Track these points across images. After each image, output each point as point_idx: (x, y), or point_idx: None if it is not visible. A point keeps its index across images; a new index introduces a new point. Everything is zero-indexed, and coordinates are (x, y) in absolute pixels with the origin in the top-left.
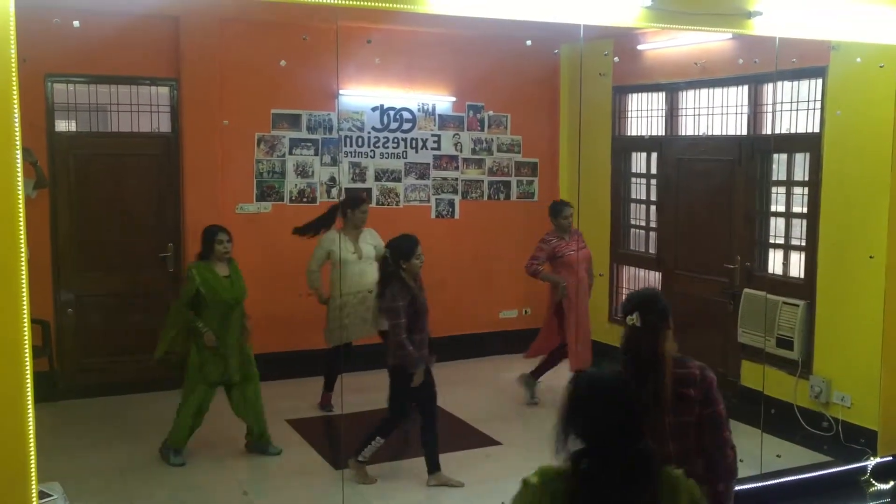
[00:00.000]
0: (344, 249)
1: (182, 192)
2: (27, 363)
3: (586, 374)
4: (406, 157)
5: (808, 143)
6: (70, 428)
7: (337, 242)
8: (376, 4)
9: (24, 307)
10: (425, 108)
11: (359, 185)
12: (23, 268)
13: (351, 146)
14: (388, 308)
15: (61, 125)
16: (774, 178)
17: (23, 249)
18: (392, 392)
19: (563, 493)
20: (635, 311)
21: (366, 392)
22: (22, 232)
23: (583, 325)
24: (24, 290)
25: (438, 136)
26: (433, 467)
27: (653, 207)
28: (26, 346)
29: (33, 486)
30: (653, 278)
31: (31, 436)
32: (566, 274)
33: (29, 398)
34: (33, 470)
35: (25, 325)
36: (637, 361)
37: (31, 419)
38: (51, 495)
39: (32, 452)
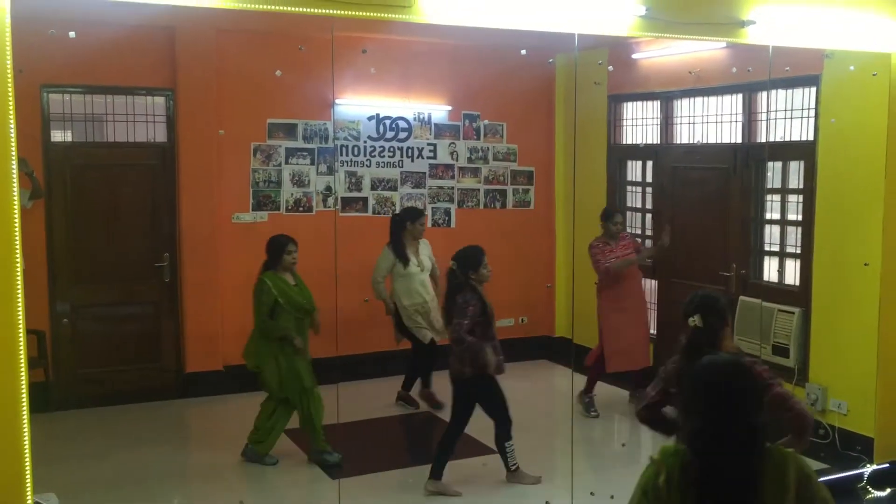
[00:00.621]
0: (412, 264)
1: (178, 201)
2: (23, 374)
3: (707, 360)
4: (402, 167)
5: (803, 151)
6: (66, 438)
7: (404, 255)
8: (372, 14)
9: (20, 318)
10: (421, 117)
11: (355, 194)
12: (18, 278)
13: (347, 155)
14: (459, 309)
15: (57, 135)
16: (769, 185)
17: (18, 260)
18: (455, 401)
19: (677, 467)
20: (696, 312)
21: (363, 401)
22: (17, 242)
23: (638, 327)
24: (19, 300)
25: (434, 145)
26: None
27: (648, 215)
28: (22, 357)
29: (29, 497)
30: (649, 286)
31: (27, 446)
32: (611, 281)
33: (24, 409)
34: (29, 481)
35: (21, 335)
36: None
37: (26, 430)
38: None
39: (28, 463)
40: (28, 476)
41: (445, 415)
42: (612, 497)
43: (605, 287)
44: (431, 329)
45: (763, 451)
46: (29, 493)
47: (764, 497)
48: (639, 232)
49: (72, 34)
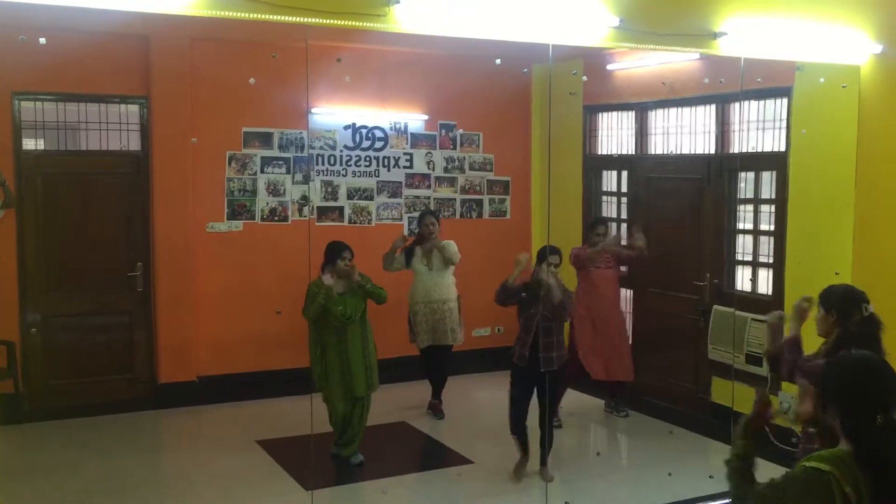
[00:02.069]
0: (417, 261)
1: (152, 210)
2: None
3: (850, 354)
4: (378, 176)
5: (775, 162)
6: (36, 450)
7: (416, 253)
8: (346, 24)
9: None
10: (397, 126)
11: (331, 203)
12: None
13: (323, 164)
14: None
15: (29, 143)
16: (742, 196)
17: None
18: (512, 387)
19: (857, 474)
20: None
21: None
22: None
23: (617, 339)
24: None
25: (411, 154)
26: (542, 461)
27: (623, 225)
28: None
29: None
30: (624, 295)
31: None
32: (589, 288)
33: None
34: None
35: None
36: None
37: None
38: None
39: None
40: None
41: (421, 425)
42: None
43: (583, 295)
44: (432, 333)
45: None
46: None
47: None
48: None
49: (42, 41)
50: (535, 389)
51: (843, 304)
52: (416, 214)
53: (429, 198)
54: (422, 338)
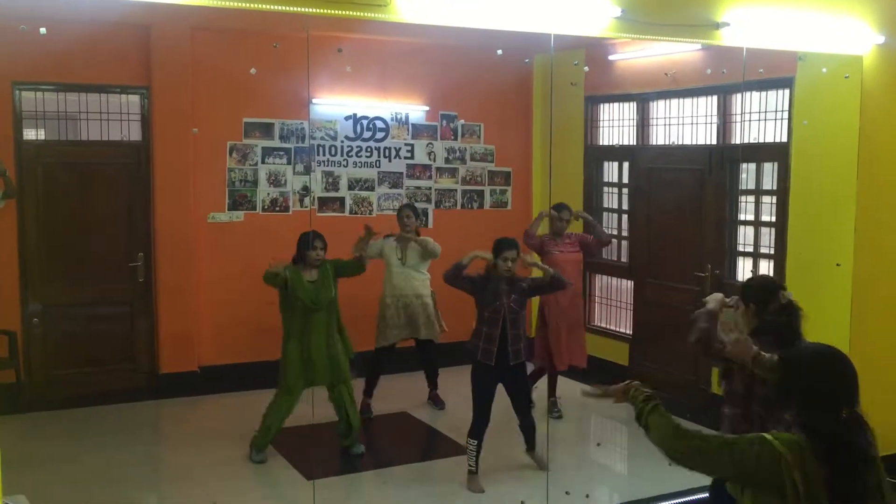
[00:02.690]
0: (390, 254)
1: (153, 201)
2: None
3: (805, 349)
4: (379, 167)
5: (776, 153)
6: (37, 440)
7: (390, 244)
8: (347, 13)
9: None
10: (398, 117)
11: (332, 193)
12: None
13: (324, 155)
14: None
15: (30, 134)
16: (743, 187)
17: None
18: (472, 390)
19: (811, 460)
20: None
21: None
22: None
23: (574, 327)
24: None
25: (412, 145)
26: (530, 446)
27: (625, 216)
28: None
29: None
30: (625, 287)
31: None
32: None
33: None
34: None
35: None
36: None
37: None
38: None
39: None
40: None
41: (422, 415)
42: (587, 496)
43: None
44: (403, 329)
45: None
46: None
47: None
48: (615, 232)
49: (42, 30)
50: (503, 385)
51: (760, 295)
52: (417, 205)
53: (430, 188)
54: (392, 332)
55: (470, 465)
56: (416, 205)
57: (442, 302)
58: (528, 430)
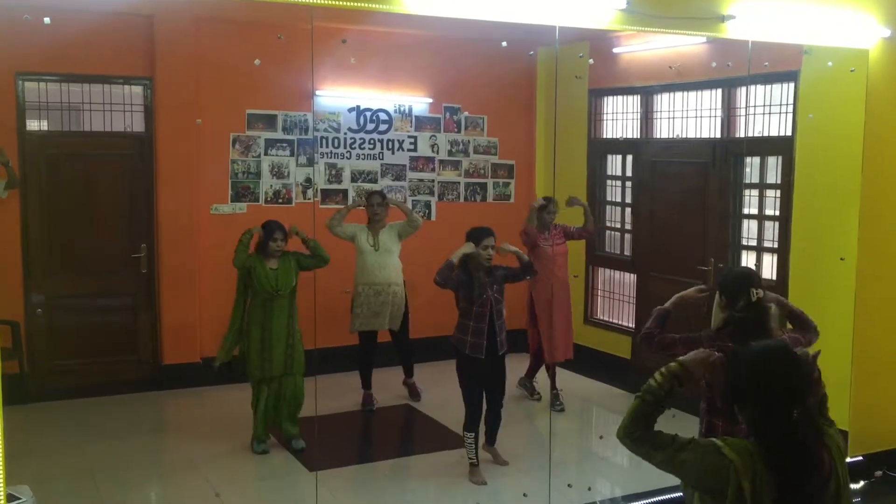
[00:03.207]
0: (363, 240)
1: (155, 192)
2: None
3: (754, 347)
4: (382, 159)
5: (781, 147)
6: (41, 431)
7: (362, 230)
8: (352, 4)
9: None
10: (402, 109)
11: (335, 185)
12: None
13: (327, 147)
14: (440, 270)
15: (33, 124)
16: (747, 180)
17: None
18: (461, 385)
19: (762, 469)
20: (753, 286)
21: (341, 393)
22: None
23: (562, 319)
24: None
25: (415, 137)
26: (491, 440)
27: (628, 210)
28: None
29: (1, 489)
30: (628, 280)
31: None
32: (541, 267)
33: None
34: (0, 473)
35: None
36: None
37: None
38: (20, 498)
39: (0, 455)
40: (0, 468)
41: (424, 407)
42: (588, 489)
43: (539, 273)
44: (375, 317)
45: (822, 432)
46: (1, 485)
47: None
48: (618, 226)
49: (47, 20)
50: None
51: (731, 288)
52: (420, 197)
53: (433, 181)
54: (360, 321)
55: (470, 458)
56: (419, 197)
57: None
58: (493, 422)
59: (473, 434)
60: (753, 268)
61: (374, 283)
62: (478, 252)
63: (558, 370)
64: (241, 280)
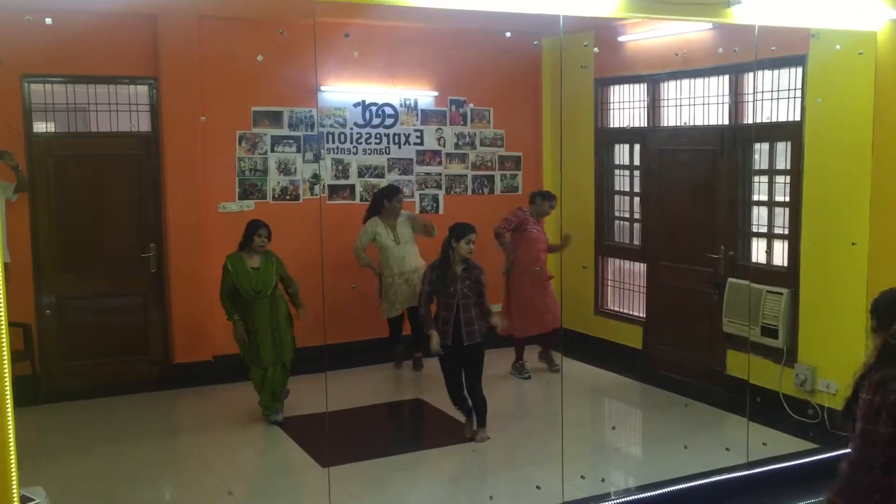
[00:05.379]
0: (384, 236)
1: (163, 191)
2: (5, 367)
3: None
4: (389, 153)
5: (790, 132)
6: (53, 431)
7: (380, 227)
8: None
9: (2, 310)
10: (407, 103)
11: (342, 181)
12: None
13: (333, 142)
14: (423, 275)
15: (39, 126)
16: (756, 167)
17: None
18: (443, 366)
19: None
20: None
21: (351, 389)
22: (1, 235)
23: (543, 293)
24: (0, 293)
25: (421, 131)
26: (479, 422)
27: (636, 199)
28: (4, 350)
29: (14, 491)
30: (637, 269)
31: (12, 440)
32: (524, 248)
33: (9, 402)
34: (14, 474)
35: (3, 328)
36: None
37: (11, 423)
38: (34, 499)
39: (13, 457)
40: (13, 469)
41: (435, 400)
42: (602, 480)
43: (522, 255)
44: (407, 300)
45: None
46: (14, 486)
47: None
48: (627, 215)
49: (48, 20)
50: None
51: (887, 312)
52: (427, 191)
53: (440, 174)
54: (396, 307)
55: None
56: (427, 191)
57: None
58: (477, 406)
59: (460, 404)
60: (765, 255)
61: (403, 273)
62: (460, 244)
63: (567, 361)
64: (223, 280)
